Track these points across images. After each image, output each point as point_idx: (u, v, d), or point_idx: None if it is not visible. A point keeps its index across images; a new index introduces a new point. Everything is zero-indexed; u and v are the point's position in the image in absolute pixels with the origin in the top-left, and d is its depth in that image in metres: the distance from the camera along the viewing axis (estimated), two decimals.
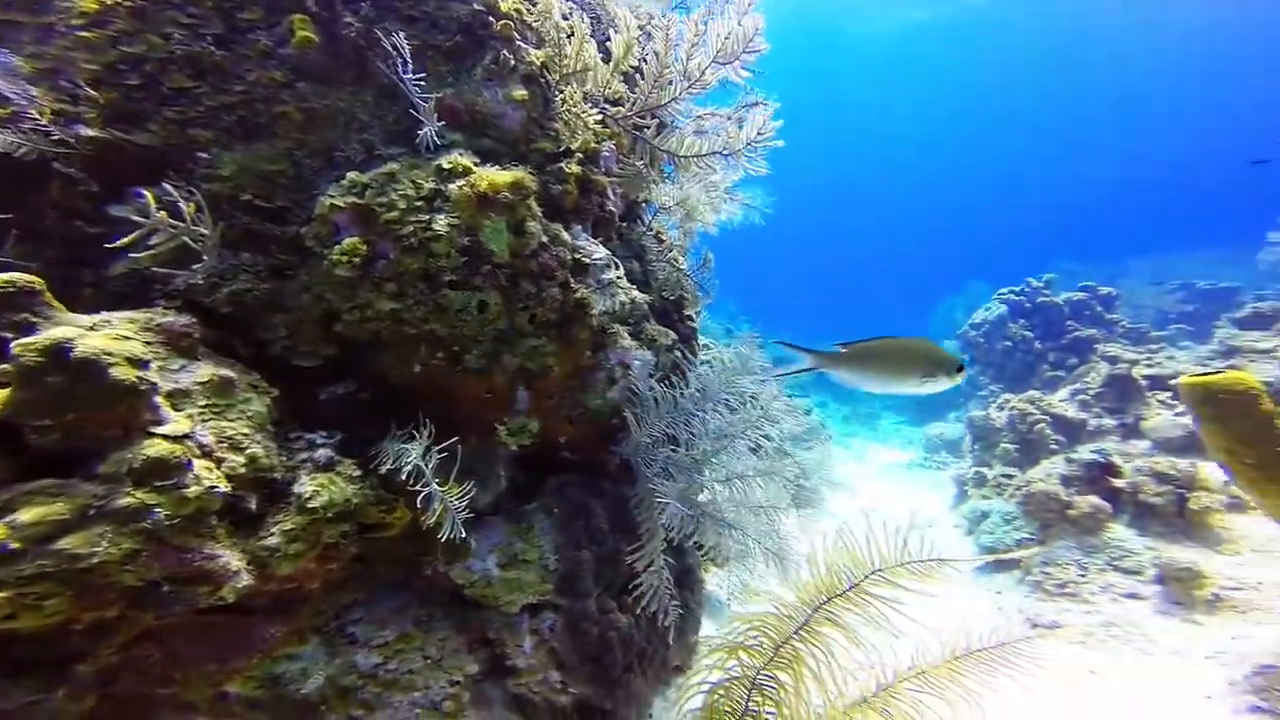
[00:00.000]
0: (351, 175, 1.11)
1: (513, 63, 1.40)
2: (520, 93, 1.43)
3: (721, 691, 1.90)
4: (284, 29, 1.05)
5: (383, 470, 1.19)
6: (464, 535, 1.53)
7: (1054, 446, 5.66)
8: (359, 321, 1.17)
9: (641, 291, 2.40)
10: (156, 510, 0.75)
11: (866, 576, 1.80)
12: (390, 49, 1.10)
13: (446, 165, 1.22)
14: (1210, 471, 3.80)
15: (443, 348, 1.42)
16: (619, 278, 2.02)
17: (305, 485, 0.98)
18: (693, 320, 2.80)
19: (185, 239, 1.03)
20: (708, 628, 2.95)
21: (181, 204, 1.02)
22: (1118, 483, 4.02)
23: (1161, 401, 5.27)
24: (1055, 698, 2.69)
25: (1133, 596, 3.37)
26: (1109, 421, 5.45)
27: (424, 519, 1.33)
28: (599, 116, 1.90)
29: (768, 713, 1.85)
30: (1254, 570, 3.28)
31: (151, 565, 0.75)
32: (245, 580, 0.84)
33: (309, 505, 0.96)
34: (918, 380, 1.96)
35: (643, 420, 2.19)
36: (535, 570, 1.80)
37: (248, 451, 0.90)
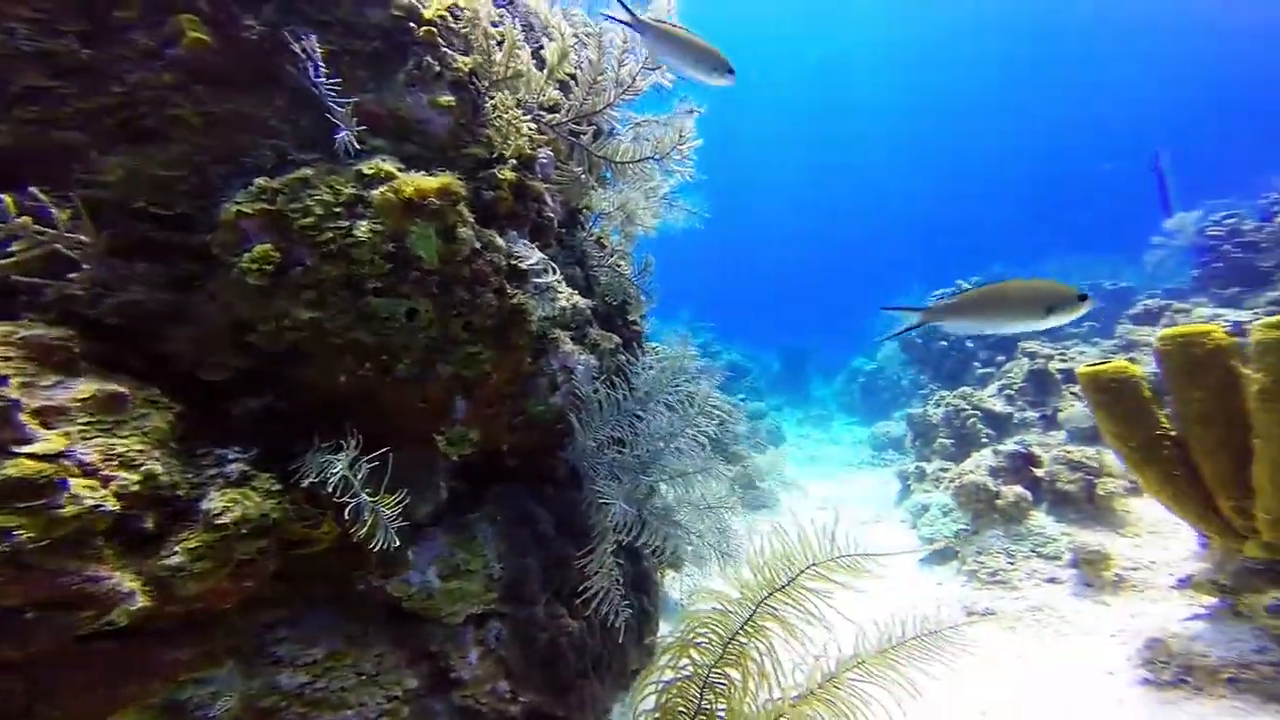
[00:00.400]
0: (260, 181, 1.07)
1: (438, 69, 1.40)
2: (447, 99, 1.43)
3: (674, 691, 1.92)
4: (170, 29, 1.01)
5: (305, 483, 1.15)
6: (399, 547, 1.50)
7: (985, 440, 6.02)
8: (275, 331, 1.13)
9: (584, 297, 2.41)
10: (17, 533, 0.70)
11: (802, 571, 1.88)
12: (300, 53, 1.08)
13: (368, 171, 1.21)
14: (1113, 458, 4.13)
15: (371, 357, 1.40)
16: (558, 283, 2.04)
17: (214, 501, 0.94)
18: (638, 324, 2.84)
19: (58, 247, 0.97)
20: (665, 630, 2.98)
21: (52, 209, 0.96)
22: (1038, 472, 4.31)
23: (1074, 394, 5.69)
24: (987, 681, 2.86)
25: (1053, 581, 3.62)
26: (1031, 414, 5.85)
27: (355, 532, 1.29)
28: (533, 123, 1.92)
29: (719, 710, 1.89)
30: (1148, 550, 3.58)
31: (7, 591, 0.70)
32: (140, 602, 0.80)
33: (218, 521, 0.92)
34: (1042, 313, 2.02)
35: (587, 424, 2.20)
36: (479, 579, 1.77)
37: (143, 468, 0.86)
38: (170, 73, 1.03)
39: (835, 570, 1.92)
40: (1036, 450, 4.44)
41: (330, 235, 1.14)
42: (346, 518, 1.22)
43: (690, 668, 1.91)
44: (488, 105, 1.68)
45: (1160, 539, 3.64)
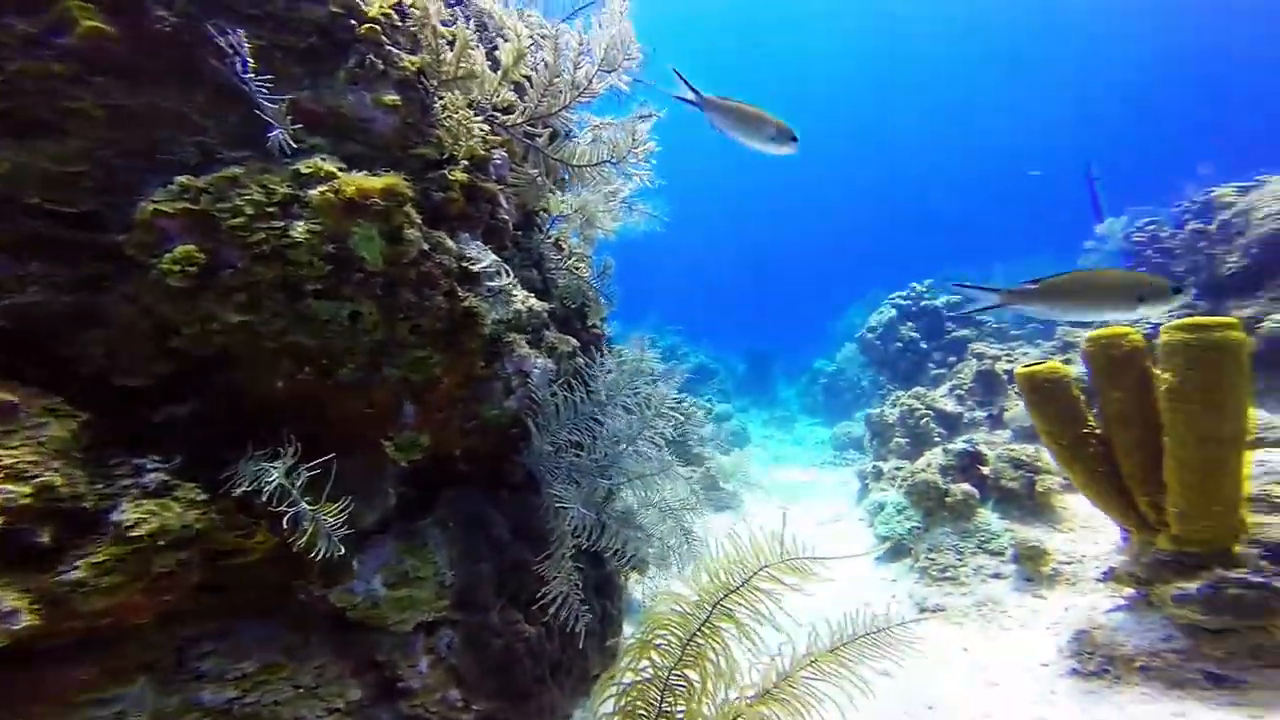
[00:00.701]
0: (182, 179, 1.03)
1: (381, 67, 1.37)
2: (392, 98, 1.40)
3: (635, 693, 1.93)
4: (54, 16, 0.96)
5: (238, 492, 1.11)
6: (344, 556, 1.46)
7: (937, 439, 6.24)
8: (201, 335, 1.09)
9: (541, 300, 2.40)
10: None
11: (755, 574, 1.92)
12: (225, 47, 1.05)
13: (305, 170, 1.18)
14: (1050, 456, 4.33)
15: (311, 361, 1.36)
16: (512, 285, 2.02)
17: (127, 513, 0.89)
18: (597, 328, 2.84)
19: None
20: (629, 632, 2.99)
21: None
22: (985, 470, 4.49)
23: (1018, 394, 5.96)
24: (935, 677, 2.96)
25: (997, 576, 3.77)
26: (980, 413, 6.10)
27: (294, 542, 1.25)
28: (486, 124, 1.90)
29: (679, 711, 1.90)
30: (1081, 545, 3.77)
31: None
32: (26, 621, 0.75)
33: (131, 534, 0.87)
34: (1133, 302, 2.01)
35: (544, 428, 2.19)
36: (430, 587, 1.74)
37: (37, 480, 0.80)
38: (63, 63, 0.98)
39: (786, 572, 1.97)
40: (983, 449, 4.63)
41: (263, 236, 1.10)
42: (285, 527, 1.18)
43: (650, 670, 1.92)
44: (437, 105, 1.65)
45: (1092, 533, 3.84)
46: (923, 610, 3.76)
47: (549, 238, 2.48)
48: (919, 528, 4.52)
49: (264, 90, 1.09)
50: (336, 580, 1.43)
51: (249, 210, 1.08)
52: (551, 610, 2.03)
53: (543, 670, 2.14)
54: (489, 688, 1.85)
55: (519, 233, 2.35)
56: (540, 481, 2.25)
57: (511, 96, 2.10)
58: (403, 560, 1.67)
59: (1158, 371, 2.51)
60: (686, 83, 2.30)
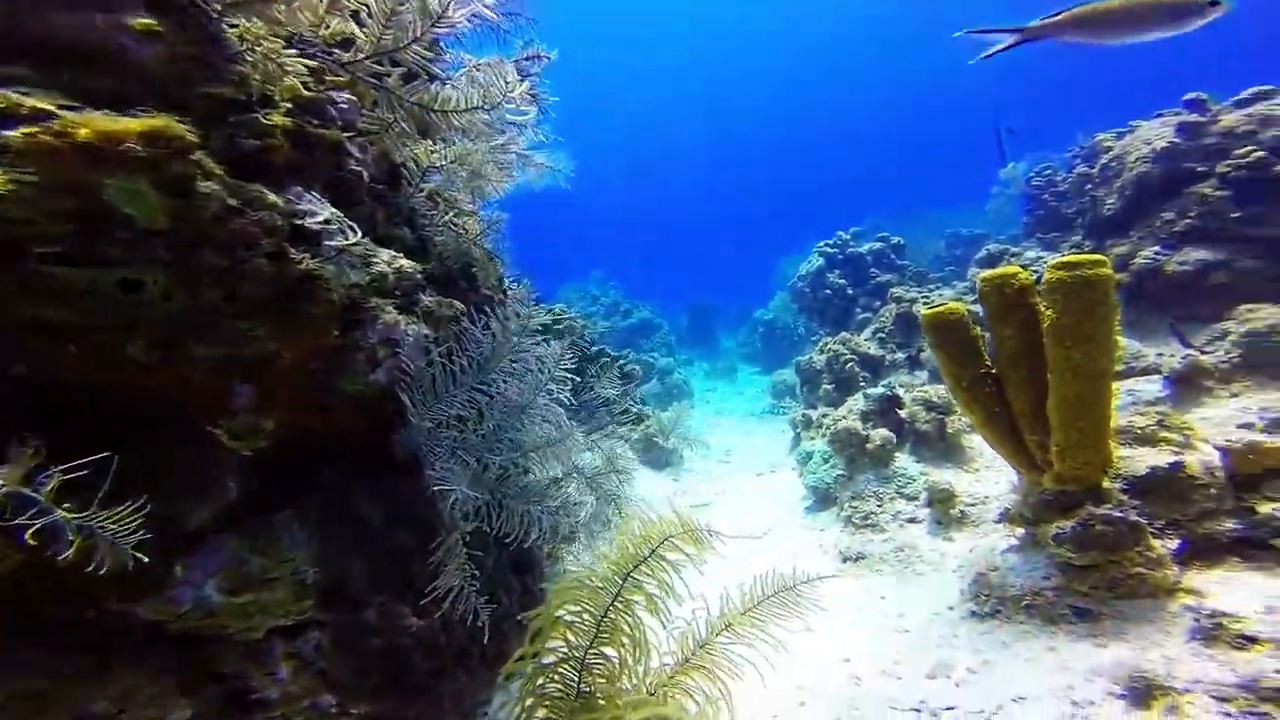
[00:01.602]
0: None
1: None
2: (144, 21, 1.13)
3: (552, 674, 1.87)
4: None
5: None
6: (158, 562, 1.27)
7: (862, 383, 6.42)
8: None
9: (416, 260, 2.18)
10: None
11: (661, 543, 1.88)
12: None
13: None
14: (953, 397, 4.49)
15: (77, 339, 1.13)
16: (365, 243, 1.79)
17: None
18: (489, 288, 2.64)
19: None
20: None
21: None
22: (902, 414, 4.63)
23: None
24: (852, 627, 3.06)
25: (913, 521, 3.93)
26: (900, 355, 6.31)
27: (63, 556, 1.06)
28: (311, 60, 1.62)
29: (599, 689, 1.86)
30: (985, 485, 3.97)
31: None
32: None
33: None
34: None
35: (421, 402, 2.01)
36: (285, 588, 1.57)
37: None
38: None
39: (689, 543, 1.94)
40: (900, 392, 4.77)
41: None
42: (31, 540, 0.99)
43: (565, 648, 1.86)
44: (228, 35, 1.38)
45: (994, 473, 4.04)
46: (846, 559, 3.88)
47: (421, 192, 2.23)
48: (844, 475, 4.65)
49: None
50: (146, 591, 1.25)
51: None
52: (446, 605, 1.91)
53: (442, 662, 2.03)
54: (371, 688, 1.73)
55: (382, 187, 2.10)
56: (423, 462, 2.09)
57: (348, 27, 1.81)
58: (247, 561, 1.49)
59: (1043, 309, 2.57)
60: (991, 30, 2.01)
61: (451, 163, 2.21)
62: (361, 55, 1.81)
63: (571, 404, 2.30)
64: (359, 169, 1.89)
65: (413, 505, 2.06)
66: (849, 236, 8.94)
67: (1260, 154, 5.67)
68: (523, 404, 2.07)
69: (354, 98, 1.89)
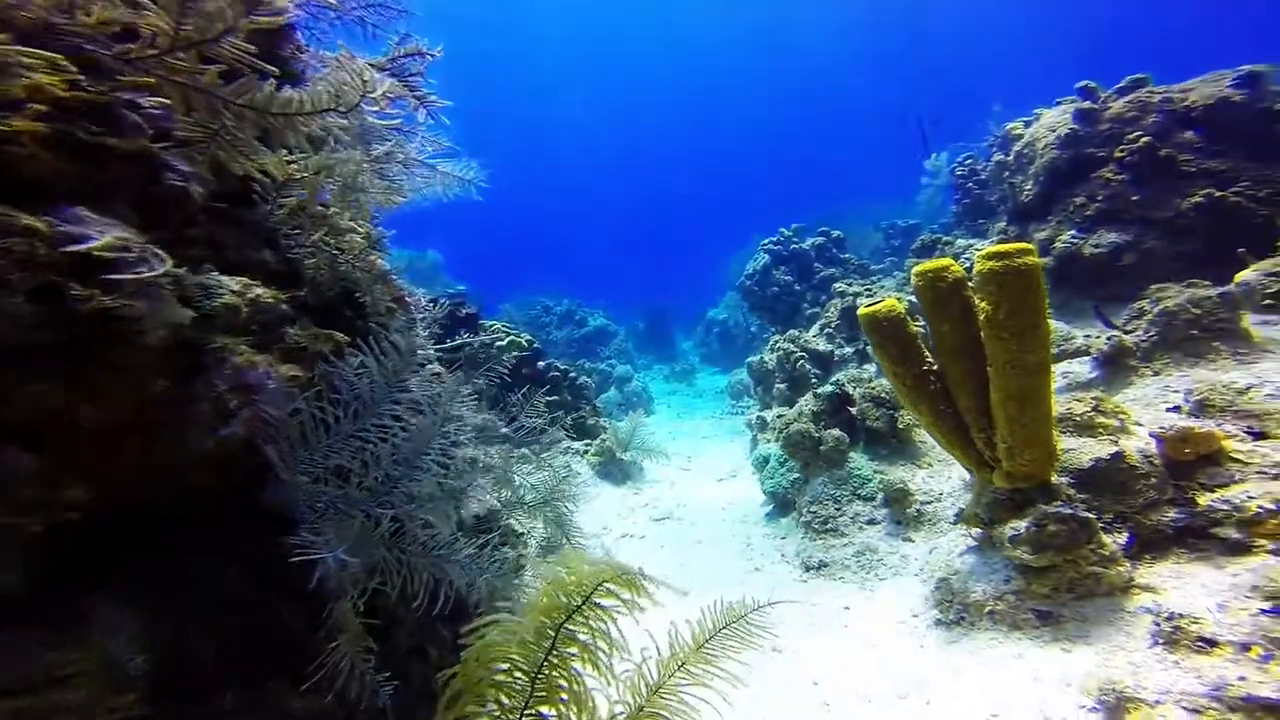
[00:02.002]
0: None
1: None
2: None
3: None
4: None
5: None
6: None
7: (814, 380, 6.33)
8: None
9: (283, 287, 1.86)
10: None
11: (595, 588, 1.67)
12: None
13: None
14: (898, 395, 4.41)
15: None
16: (209, 274, 1.47)
17: None
18: (380, 315, 2.33)
19: None
20: None
21: None
22: (853, 410, 4.53)
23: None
24: (819, 646, 2.88)
25: (872, 522, 3.81)
26: (848, 349, 6.26)
27: None
28: (44, 53, 1.30)
29: None
30: (938, 482, 3.90)
31: None
32: None
33: None
34: None
35: (289, 456, 1.70)
36: (94, 682, 1.24)
37: None
38: None
39: (622, 586, 1.72)
40: (849, 388, 4.67)
41: None
42: None
43: (499, 712, 1.61)
44: None
45: (947, 467, 3.98)
46: (809, 568, 3.73)
47: (280, 208, 1.91)
48: (800, 479, 4.51)
49: None
50: None
51: None
52: (338, 686, 1.61)
53: None
54: None
55: (224, 205, 1.77)
56: (302, 522, 1.77)
57: (124, 15, 1.48)
58: (39, 656, 1.17)
59: (978, 301, 2.46)
60: None
61: (315, 174, 1.89)
62: (154, 50, 1.48)
63: (506, 432, 2.03)
64: (182, 184, 1.56)
65: (292, 572, 1.74)
66: (791, 233, 8.93)
67: (1147, 139, 5.93)
68: (415, 450, 1.78)
69: (165, 101, 1.56)
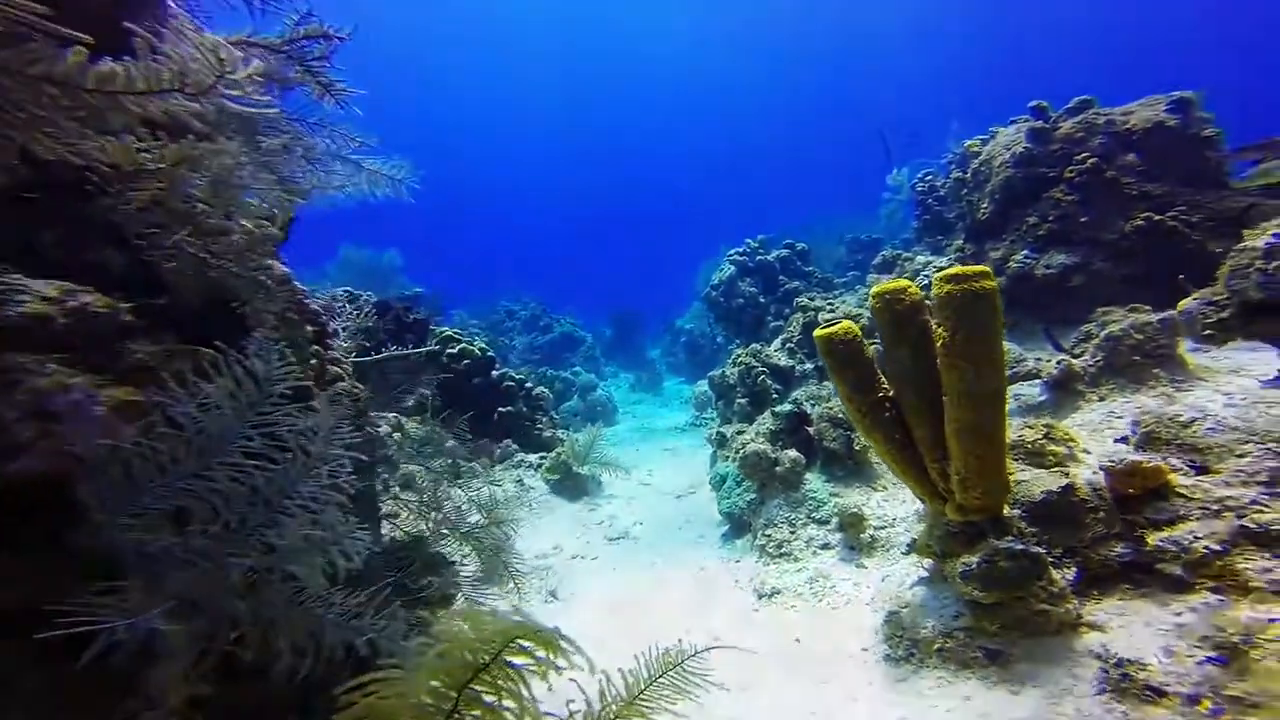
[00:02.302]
0: None
1: None
2: None
3: None
4: None
5: None
6: None
7: (774, 396, 6.20)
8: None
9: (131, 294, 1.59)
10: None
11: (505, 647, 1.46)
12: None
13: None
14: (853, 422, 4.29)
15: None
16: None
17: None
18: (268, 329, 2.05)
19: None
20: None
21: None
22: (810, 430, 4.40)
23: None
24: (770, 679, 2.71)
25: (826, 547, 3.68)
26: (809, 365, 6.15)
27: None
28: None
29: None
30: (892, 506, 3.79)
31: None
32: None
33: None
34: None
35: (109, 498, 1.42)
36: None
37: None
38: None
39: (533, 641, 1.51)
40: (808, 407, 4.54)
41: None
42: None
43: None
44: None
45: (902, 490, 3.88)
46: (761, 595, 3.57)
47: (129, 203, 1.63)
48: (756, 500, 4.36)
49: None
50: None
51: None
52: None
53: None
54: None
55: (38, 194, 1.49)
56: (127, 572, 1.49)
57: None
58: None
59: (935, 326, 2.34)
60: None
61: (173, 166, 1.62)
62: None
63: (453, 445, 1.78)
64: None
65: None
66: (757, 244, 8.85)
67: (1094, 160, 6.03)
68: (277, 492, 1.51)
69: None
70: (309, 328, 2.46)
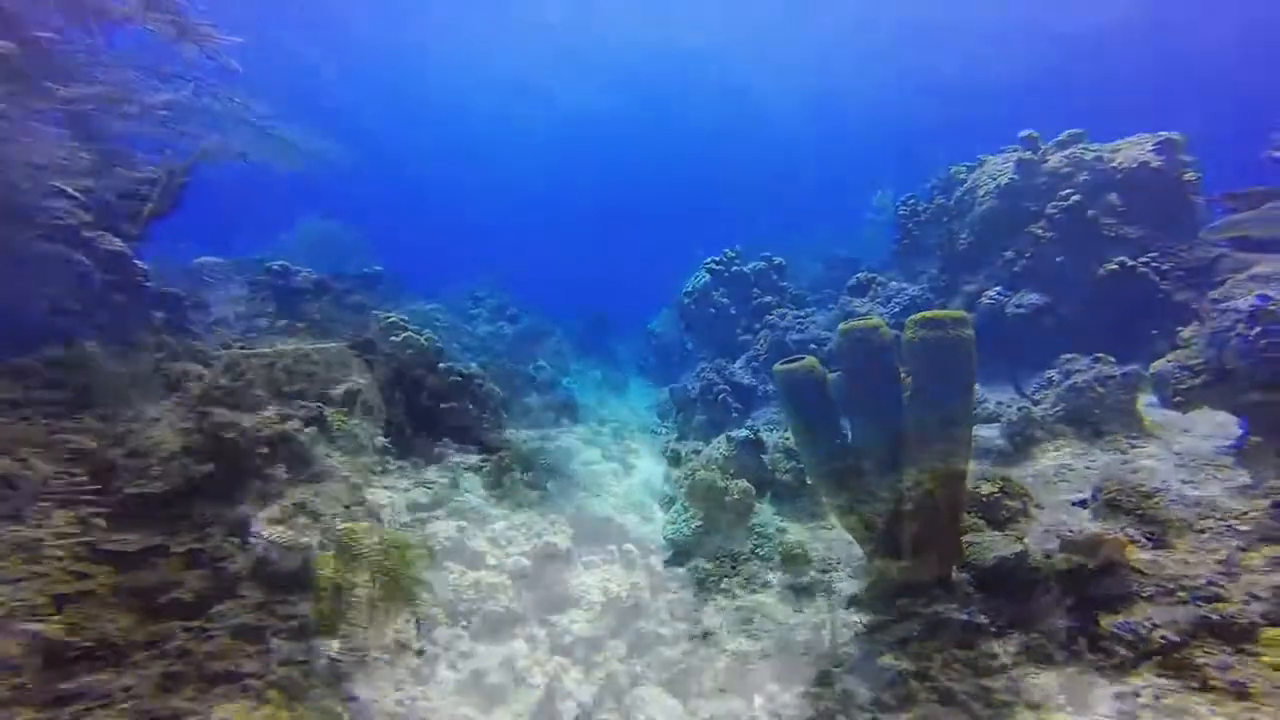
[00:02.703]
0: None
1: None
2: None
3: None
4: None
5: None
6: None
7: (735, 414, 6.02)
8: None
9: None
10: None
11: None
12: None
13: None
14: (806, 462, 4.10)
15: None
16: None
17: None
18: None
19: None
20: None
21: None
22: (765, 458, 4.20)
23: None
24: None
25: (766, 586, 3.47)
26: (771, 386, 5.98)
27: None
28: None
29: None
30: (838, 548, 3.60)
31: None
32: None
33: None
34: None
35: None
36: None
37: None
38: None
39: None
40: (763, 434, 4.36)
41: None
42: None
43: None
44: None
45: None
46: (693, 637, 3.34)
47: None
48: (702, 528, 4.14)
49: None
50: None
51: None
52: None
53: None
54: None
55: None
56: None
57: None
58: None
59: (903, 375, 2.14)
60: None
61: None
62: None
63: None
64: None
65: None
66: (734, 254, 8.62)
67: (1077, 198, 5.95)
68: None
69: None
70: None
